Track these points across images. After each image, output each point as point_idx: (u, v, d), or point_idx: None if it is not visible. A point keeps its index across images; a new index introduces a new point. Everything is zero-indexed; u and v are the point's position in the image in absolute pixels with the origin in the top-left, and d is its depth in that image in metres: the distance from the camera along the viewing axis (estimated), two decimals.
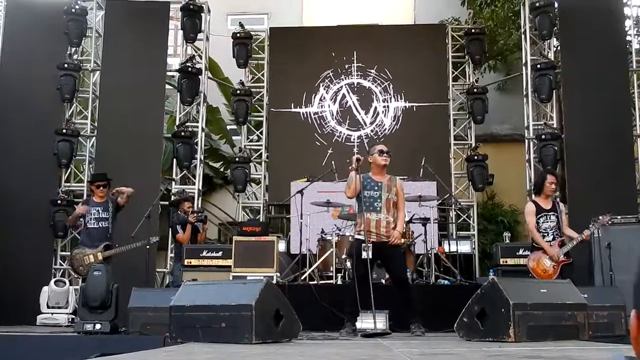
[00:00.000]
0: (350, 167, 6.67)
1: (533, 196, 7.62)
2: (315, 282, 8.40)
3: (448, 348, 4.75)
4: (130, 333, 6.59)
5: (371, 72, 12.67)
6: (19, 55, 10.56)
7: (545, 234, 7.22)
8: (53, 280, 9.14)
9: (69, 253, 10.35)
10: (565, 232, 7.29)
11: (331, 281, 8.40)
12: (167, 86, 11.80)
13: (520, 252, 8.96)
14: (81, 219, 8.24)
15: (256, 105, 12.78)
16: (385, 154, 6.72)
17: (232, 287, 5.66)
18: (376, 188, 6.61)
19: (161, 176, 11.20)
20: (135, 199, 9.12)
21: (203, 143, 11.64)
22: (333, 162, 11.00)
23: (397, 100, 12.54)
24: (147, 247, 8.00)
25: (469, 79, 12.53)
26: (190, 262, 8.81)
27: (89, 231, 8.10)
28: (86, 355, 5.48)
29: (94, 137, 10.85)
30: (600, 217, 7.44)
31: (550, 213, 7.25)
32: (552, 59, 10.69)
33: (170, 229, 10.00)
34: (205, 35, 11.68)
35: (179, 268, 9.11)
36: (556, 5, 10.68)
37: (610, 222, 7.51)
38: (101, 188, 8.18)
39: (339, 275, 8.39)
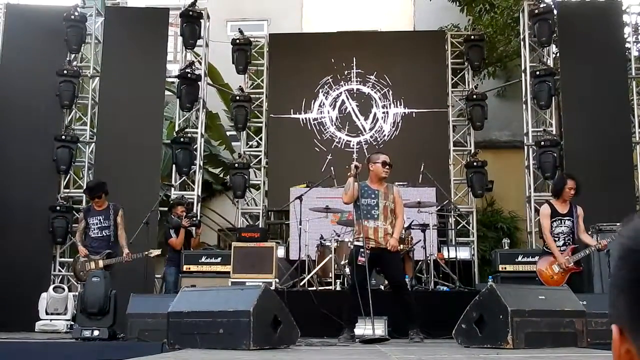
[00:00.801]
0: (348, 174, 6.68)
1: (550, 199, 7.51)
2: (314, 288, 8.39)
3: (446, 354, 4.74)
4: (128, 339, 6.58)
5: (370, 78, 12.68)
6: (19, 61, 10.57)
7: (557, 239, 7.10)
8: (52, 286, 9.13)
9: (67, 259, 10.37)
10: (581, 236, 7.17)
11: (330, 287, 8.38)
12: (167, 92, 11.79)
13: (520, 258, 8.96)
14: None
15: (255, 111, 12.78)
16: (387, 167, 6.72)
17: (230, 293, 5.67)
18: (373, 196, 6.62)
19: (160, 182, 11.19)
20: (135, 205, 9.16)
21: (202, 149, 11.64)
22: (332, 168, 10.99)
23: (397, 107, 12.55)
24: (152, 256, 8.00)
25: (469, 85, 12.54)
26: (189, 268, 8.82)
27: (92, 240, 8.08)
28: None
29: (93, 143, 10.86)
30: (597, 225, 7.38)
31: (565, 218, 7.13)
32: (551, 65, 10.70)
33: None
34: (204, 42, 11.69)
35: (171, 273, 9.09)
36: (555, 12, 10.70)
37: None
38: (96, 200, 8.17)
39: (338, 281, 8.38)
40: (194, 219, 9.60)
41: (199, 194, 11.21)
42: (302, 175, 11.16)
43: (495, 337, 5.14)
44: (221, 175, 15.12)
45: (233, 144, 14.58)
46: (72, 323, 8.36)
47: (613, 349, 0.76)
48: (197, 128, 11.43)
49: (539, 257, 7.39)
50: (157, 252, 8.16)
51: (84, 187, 9.36)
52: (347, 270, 7.82)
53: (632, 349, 0.74)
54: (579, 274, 7.14)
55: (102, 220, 8.07)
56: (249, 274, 8.23)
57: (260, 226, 11.72)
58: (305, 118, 12.58)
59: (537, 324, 5.17)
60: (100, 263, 7.90)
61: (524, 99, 10.98)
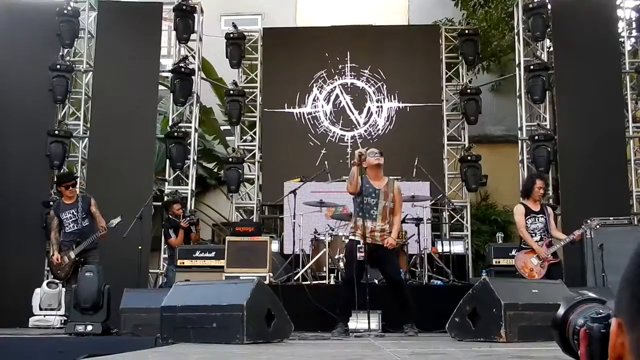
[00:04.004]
0: (352, 162, 6.68)
1: (522, 199, 7.68)
2: (308, 282, 8.39)
3: (439, 348, 4.75)
4: (122, 334, 6.57)
5: (365, 73, 12.66)
6: (11, 56, 10.51)
7: (533, 235, 7.33)
8: (45, 282, 9.08)
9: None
10: (553, 234, 7.43)
11: (324, 281, 8.39)
12: (161, 87, 11.76)
13: (513, 252, 8.96)
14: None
15: (249, 106, 12.75)
16: (377, 154, 6.70)
17: (223, 287, 5.66)
18: (373, 195, 6.58)
19: (154, 177, 11.16)
20: (128, 199, 9.14)
21: (196, 143, 11.62)
22: (326, 163, 10.98)
23: (391, 101, 12.53)
24: (114, 226, 7.91)
25: (463, 79, 12.54)
26: (183, 263, 8.80)
27: (68, 235, 8.05)
28: (77, 357, 5.46)
29: (87, 138, 10.81)
30: (589, 221, 7.50)
31: (538, 215, 7.37)
32: (545, 60, 10.71)
33: (162, 231, 9.97)
34: (198, 36, 11.66)
35: (172, 269, 9.09)
36: (549, 7, 10.70)
37: (597, 227, 7.60)
38: (70, 188, 8.14)
39: (332, 275, 8.38)
40: (192, 217, 9.59)
41: (193, 188, 11.20)
42: (296, 170, 11.15)
43: (489, 331, 5.16)
44: (215, 170, 15.10)
45: (227, 138, 14.56)
46: (66, 318, 8.34)
47: (610, 339, 0.78)
48: (190, 122, 11.40)
49: (517, 252, 7.56)
50: (118, 219, 8.05)
51: (55, 178, 9.21)
52: (341, 264, 7.83)
53: (626, 342, 0.76)
54: (556, 265, 7.35)
55: (74, 214, 8.02)
56: (243, 268, 8.23)
57: (254, 220, 11.72)
58: (299, 112, 12.55)
59: (530, 317, 5.18)
60: (72, 254, 7.91)
61: (518, 94, 10.98)
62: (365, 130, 12.45)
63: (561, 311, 1.10)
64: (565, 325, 1.07)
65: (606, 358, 0.83)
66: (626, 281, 0.78)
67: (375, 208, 6.58)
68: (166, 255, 9.92)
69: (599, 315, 0.93)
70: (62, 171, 10.21)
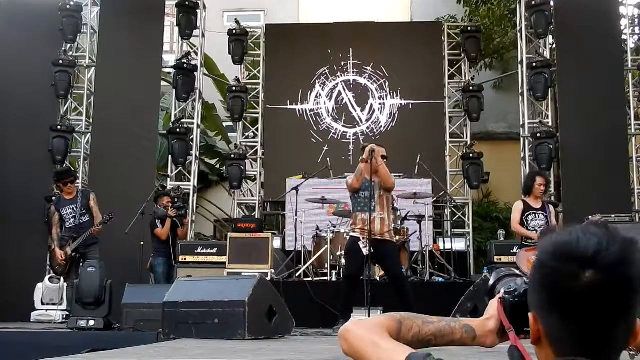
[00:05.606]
0: (360, 159, 6.67)
1: (523, 196, 7.68)
2: (310, 279, 8.41)
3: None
4: (123, 329, 6.59)
5: (367, 69, 12.65)
6: (13, 51, 10.48)
7: (534, 232, 7.30)
8: (47, 276, 9.09)
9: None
10: None
11: (326, 278, 8.40)
12: (163, 83, 11.75)
13: (515, 249, 8.97)
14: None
15: (252, 102, 12.75)
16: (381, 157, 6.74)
17: (225, 283, 5.68)
18: (370, 188, 6.63)
19: (156, 173, 11.17)
20: (130, 195, 9.14)
21: (198, 140, 11.61)
22: (328, 159, 11.00)
23: (393, 98, 12.53)
24: (107, 222, 7.92)
25: (465, 76, 12.53)
26: (185, 259, 8.81)
27: (68, 230, 8.07)
28: (79, 352, 5.47)
29: (89, 134, 10.81)
30: (590, 217, 7.50)
31: (539, 212, 7.35)
32: (548, 57, 10.69)
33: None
34: (201, 32, 11.65)
35: (159, 263, 9.05)
36: (552, 3, 10.68)
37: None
38: (69, 184, 8.15)
39: (334, 272, 8.39)
40: (180, 208, 9.55)
41: (195, 184, 11.21)
42: (298, 166, 11.15)
43: None
44: (217, 166, 15.12)
45: (229, 134, 14.57)
46: (68, 313, 8.36)
47: (531, 328, 1.17)
48: (193, 119, 11.40)
49: (518, 250, 7.56)
50: (111, 214, 8.06)
51: (53, 174, 9.24)
52: (343, 261, 7.84)
53: (540, 328, 1.15)
54: None
55: (74, 209, 8.05)
56: (244, 264, 8.23)
57: (256, 217, 11.72)
58: (302, 109, 12.55)
59: None
60: (68, 250, 7.93)
61: (520, 91, 10.97)
62: (368, 127, 12.45)
63: (491, 282, 1.47)
64: (493, 292, 1.43)
65: (515, 317, 1.30)
66: (532, 289, 1.17)
67: (372, 199, 6.62)
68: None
69: (510, 290, 1.34)
70: (63, 167, 10.22)
